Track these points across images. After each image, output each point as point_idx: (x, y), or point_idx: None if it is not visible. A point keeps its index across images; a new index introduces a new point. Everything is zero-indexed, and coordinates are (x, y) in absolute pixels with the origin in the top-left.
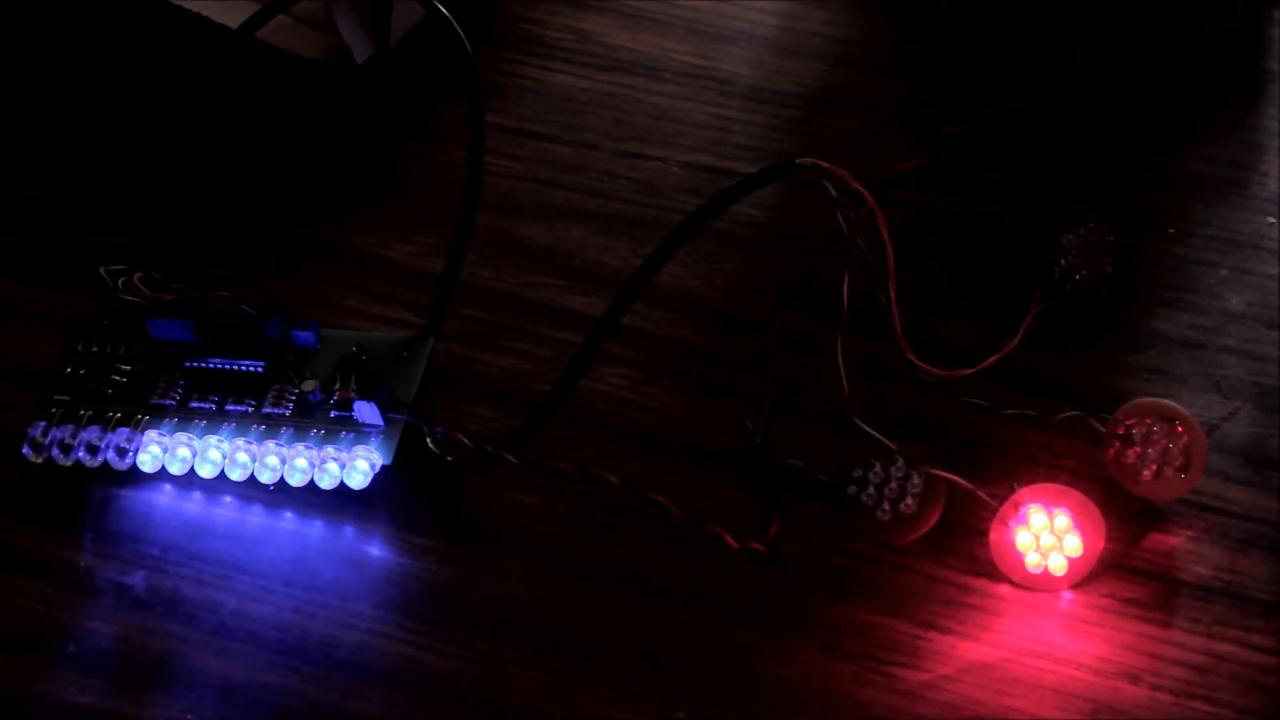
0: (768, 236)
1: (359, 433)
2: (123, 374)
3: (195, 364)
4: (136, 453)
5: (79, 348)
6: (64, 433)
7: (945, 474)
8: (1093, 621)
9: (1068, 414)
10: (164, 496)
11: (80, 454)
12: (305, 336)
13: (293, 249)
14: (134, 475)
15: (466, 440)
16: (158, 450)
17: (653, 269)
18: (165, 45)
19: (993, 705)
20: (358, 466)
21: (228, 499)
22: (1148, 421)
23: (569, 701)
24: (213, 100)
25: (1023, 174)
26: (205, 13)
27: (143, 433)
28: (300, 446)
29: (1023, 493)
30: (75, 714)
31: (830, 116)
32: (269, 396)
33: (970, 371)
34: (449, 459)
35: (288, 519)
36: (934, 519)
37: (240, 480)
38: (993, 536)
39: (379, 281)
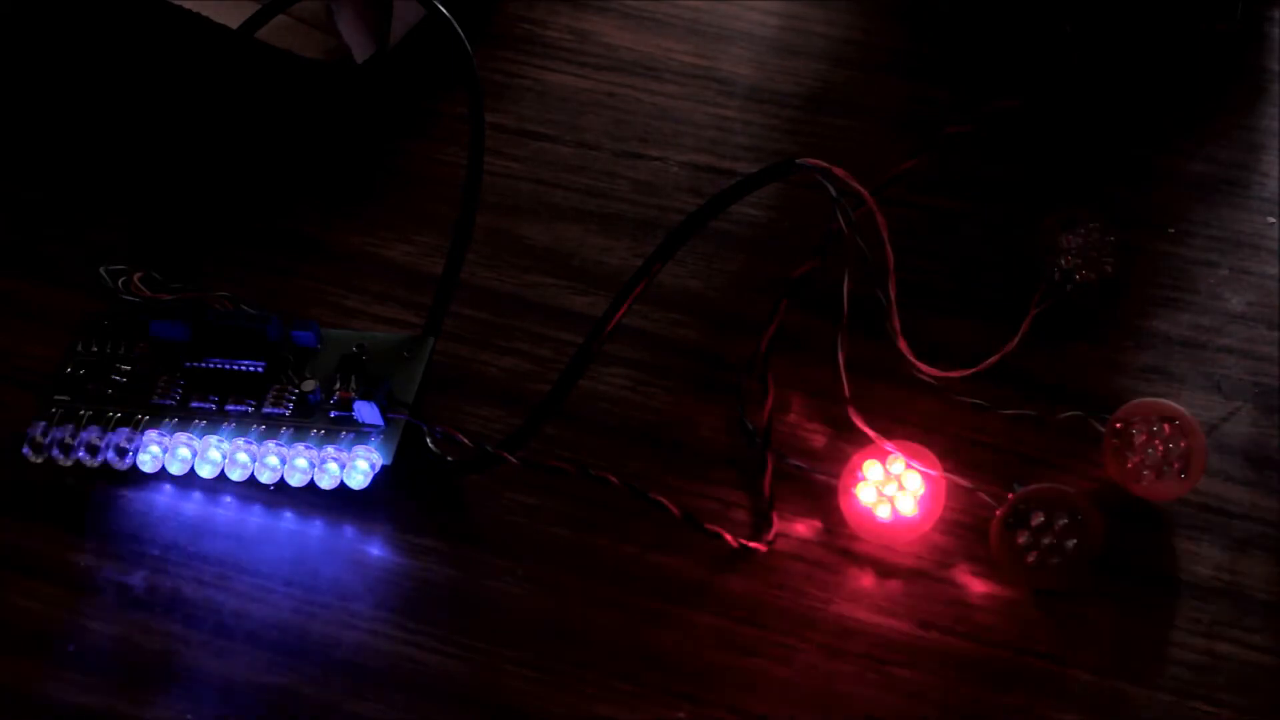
0: (768, 236)
1: (359, 433)
2: (123, 374)
3: (195, 364)
4: (136, 453)
5: (79, 348)
6: (64, 433)
7: (945, 474)
8: (1092, 621)
9: (1067, 414)
10: (164, 496)
11: (80, 454)
12: (305, 336)
13: (293, 249)
14: (134, 475)
15: (466, 440)
16: (158, 450)
17: (651, 270)
18: (165, 45)
19: (992, 705)
20: (358, 466)
21: (228, 499)
22: (1147, 422)
23: (568, 701)
24: (213, 100)
25: (1023, 174)
26: (205, 13)
27: (143, 433)
28: (300, 446)
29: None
30: (75, 714)
31: (830, 116)
32: (269, 396)
33: (970, 371)
34: (449, 459)
35: (288, 519)
36: (934, 519)
37: (240, 480)
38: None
39: (379, 281)
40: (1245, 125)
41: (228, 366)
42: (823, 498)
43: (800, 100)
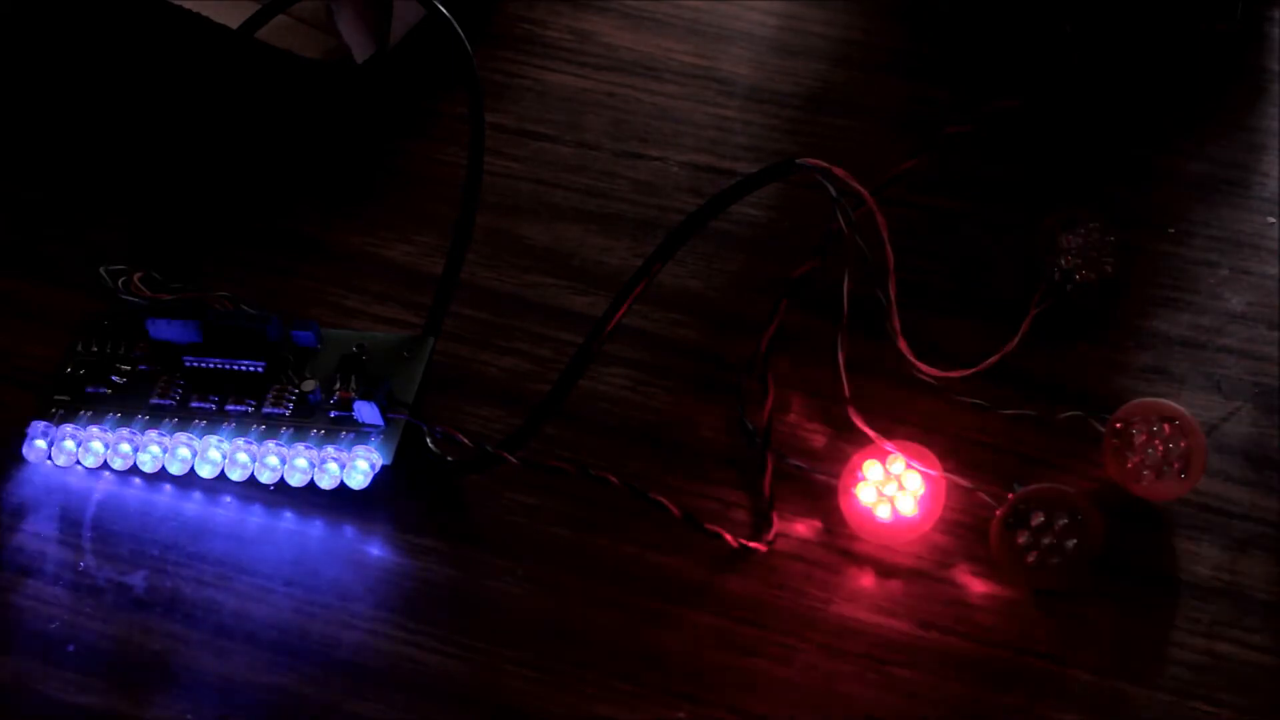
0: (768, 236)
1: (359, 433)
2: (123, 374)
3: (195, 364)
4: (136, 452)
5: (79, 348)
6: (64, 433)
7: (945, 474)
8: (1092, 621)
9: (1068, 414)
10: (164, 496)
11: (80, 454)
12: (305, 336)
13: (293, 249)
14: (134, 475)
15: (466, 440)
16: (158, 450)
17: (651, 270)
18: (165, 45)
19: (992, 704)
20: (358, 466)
21: (228, 499)
22: (1147, 422)
23: (568, 701)
24: (213, 100)
25: (1023, 174)
26: (205, 13)
27: (143, 432)
28: (300, 446)
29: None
30: (75, 714)
31: (830, 116)
32: (269, 396)
33: (970, 371)
34: (449, 459)
35: (288, 519)
36: (934, 519)
37: (240, 480)
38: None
39: (379, 281)
40: (1245, 125)
41: (228, 366)
42: (823, 498)
43: (800, 100)
